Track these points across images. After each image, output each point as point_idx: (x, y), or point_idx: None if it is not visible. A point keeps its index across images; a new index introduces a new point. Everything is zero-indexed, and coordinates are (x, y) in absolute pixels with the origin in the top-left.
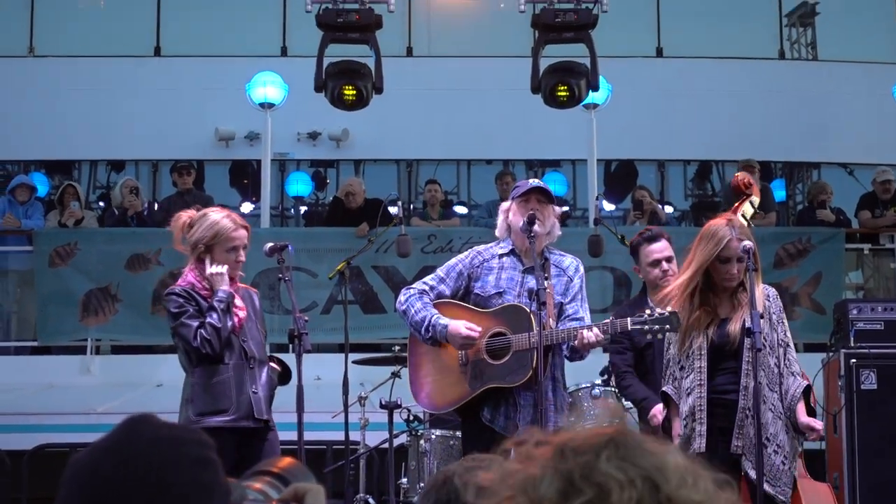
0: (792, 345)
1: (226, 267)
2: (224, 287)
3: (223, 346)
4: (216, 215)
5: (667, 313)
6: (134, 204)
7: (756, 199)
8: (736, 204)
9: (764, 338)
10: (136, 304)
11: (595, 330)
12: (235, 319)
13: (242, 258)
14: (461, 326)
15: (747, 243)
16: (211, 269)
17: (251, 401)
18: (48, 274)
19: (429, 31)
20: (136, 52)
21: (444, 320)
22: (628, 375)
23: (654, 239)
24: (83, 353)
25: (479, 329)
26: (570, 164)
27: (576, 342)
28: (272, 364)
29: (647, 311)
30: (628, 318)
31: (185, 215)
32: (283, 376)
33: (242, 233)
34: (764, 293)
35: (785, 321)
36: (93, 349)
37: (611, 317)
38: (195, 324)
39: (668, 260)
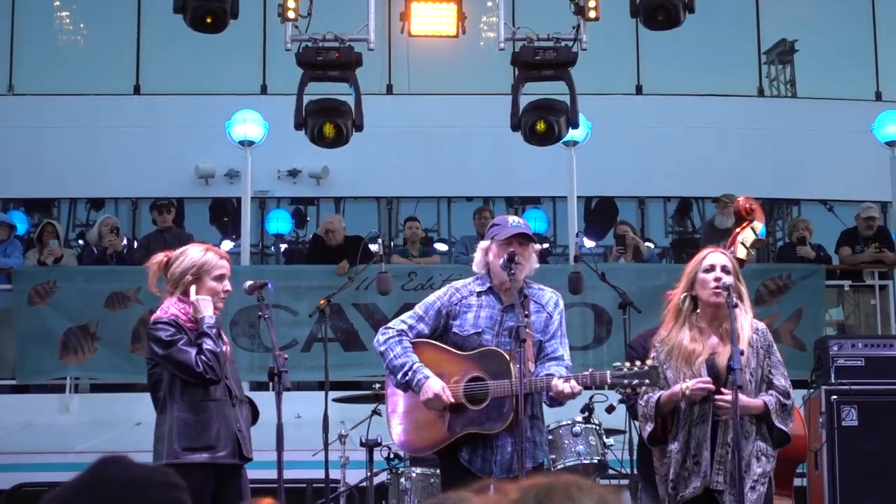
0: (781, 379)
1: (209, 297)
2: (210, 313)
3: (222, 373)
4: (197, 247)
5: (646, 367)
6: (114, 243)
7: (759, 225)
8: (737, 230)
9: (750, 374)
10: (115, 343)
11: (572, 382)
12: (227, 349)
13: (229, 287)
14: (438, 386)
15: (726, 279)
16: (197, 297)
17: (237, 438)
18: (27, 312)
19: (409, 69)
20: (116, 91)
21: (426, 372)
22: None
23: None
24: (62, 391)
25: (453, 400)
26: (551, 201)
27: (552, 393)
28: (247, 402)
29: (628, 364)
30: (607, 372)
31: (161, 255)
32: (253, 415)
33: (226, 263)
34: (752, 327)
35: (774, 355)
36: (72, 387)
37: (593, 359)
38: (193, 350)
39: None
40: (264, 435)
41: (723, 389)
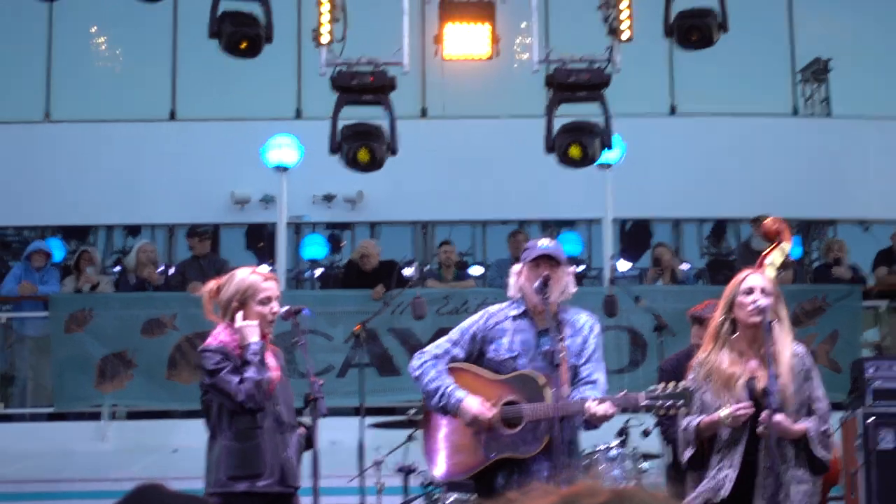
0: (821, 403)
1: (256, 322)
2: (255, 339)
3: (265, 401)
4: (243, 271)
5: (679, 389)
6: (152, 276)
7: (787, 246)
8: (766, 251)
9: (788, 397)
10: (151, 370)
11: (607, 404)
12: (274, 375)
13: (276, 309)
14: (475, 405)
15: (762, 301)
16: (239, 322)
17: (283, 466)
18: (64, 339)
19: (443, 92)
20: (152, 116)
21: (459, 394)
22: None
23: (701, 322)
24: (98, 419)
25: (491, 413)
26: (585, 224)
27: (586, 415)
28: (301, 429)
29: (661, 385)
30: (642, 393)
31: (212, 283)
32: (307, 442)
33: (273, 284)
34: (792, 351)
35: (814, 379)
36: (109, 415)
37: (629, 382)
38: (236, 379)
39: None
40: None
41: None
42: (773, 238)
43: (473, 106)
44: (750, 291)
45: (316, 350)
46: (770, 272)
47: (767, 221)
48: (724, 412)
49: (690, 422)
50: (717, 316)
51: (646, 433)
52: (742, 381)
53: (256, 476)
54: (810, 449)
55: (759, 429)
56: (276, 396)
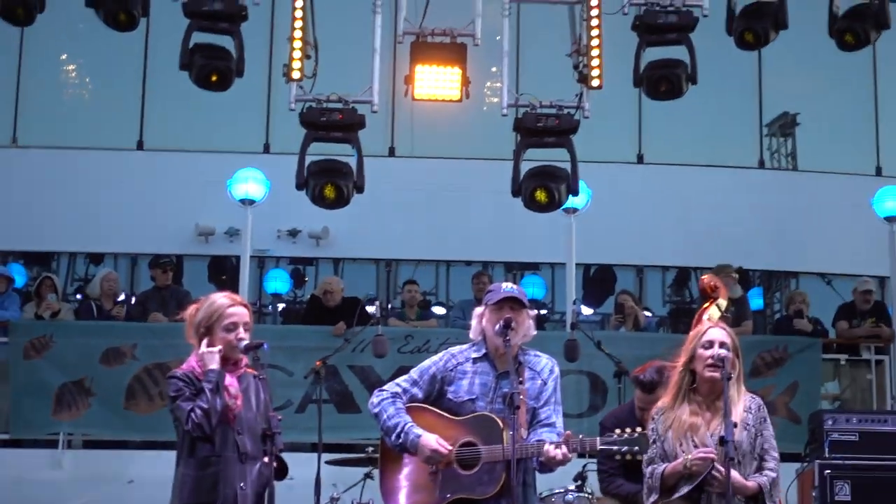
0: (771, 455)
1: (219, 347)
2: (213, 366)
3: (215, 428)
4: (214, 295)
5: (636, 435)
6: (119, 313)
7: (723, 302)
8: (703, 307)
9: (740, 449)
10: (109, 399)
11: (563, 448)
12: (232, 403)
13: (243, 336)
14: (433, 441)
15: (721, 352)
16: (202, 349)
17: (237, 497)
18: (22, 366)
19: (412, 132)
20: (119, 145)
21: (417, 430)
22: (617, 478)
23: (645, 387)
24: (55, 446)
25: (450, 449)
26: (549, 268)
27: (542, 458)
28: (265, 460)
29: (618, 431)
30: (597, 438)
31: (193, 306)
32: (280, 472)
33: (241, 310)
34: (745, 405)
35: (766, 431)
36: (64, 443)
37: (588, 427)
38: (188, 407)
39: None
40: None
41: (715, 464)
42: (709, 294)
43: (441, 146)
44: (710, 345)
45: (276, 385)
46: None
47: (704, 278)
48: (689, 457)
49: (655, 469)
50: (678, 367)
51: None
52: (703, 431)
53: None
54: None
55: (713, 474)
56: (240, 424)
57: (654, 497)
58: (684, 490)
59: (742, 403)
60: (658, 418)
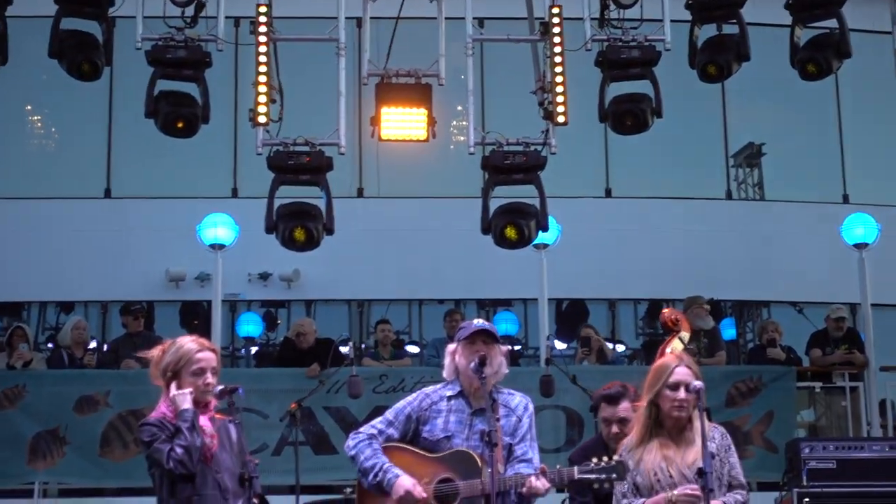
0: (739, 481)
1: (189, 389)
2: (186, 406)
3: (197, 465)
4: (182, 339)
5: (614, 462)
6: (90, 362)
7: (686, 335)
8: (666, 340)
9: (717, 478)
10: (84, 447)
11: (542, 479)
12: (209, 441)
13: (210, 380)
14: (409, 483)
15: (697, 383)
16: (173, 391)
17: None
18: None
19: (379, 173)
20: (87, 194)
21: (396, 471)
22: None
23: (613, 399)
24: (30, 496)
25: (425, 496)
26: (522, 304)
27: (523, 490)
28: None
29: (595, 460)
30: (575, 468)
31: (158, 349)
32: None
33: (208, 354)
34: (710, 434)
35: (732, 458)
36: (40, 493)
37: (565, 461)
38: (166, 448)
39: (622, 422)
40: None
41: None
42: (671, 328)
43: (409, 186)
44: (676, 387)
45: (251, 428)
46: None
47: (665, 312)
48: (673, 493)
49: (633, 501)
50: (643, 404)
51: None
52: (679, 463)
53: None
54: None
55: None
56: (217, 464)
57: None
58: None
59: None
60: (626, 455)
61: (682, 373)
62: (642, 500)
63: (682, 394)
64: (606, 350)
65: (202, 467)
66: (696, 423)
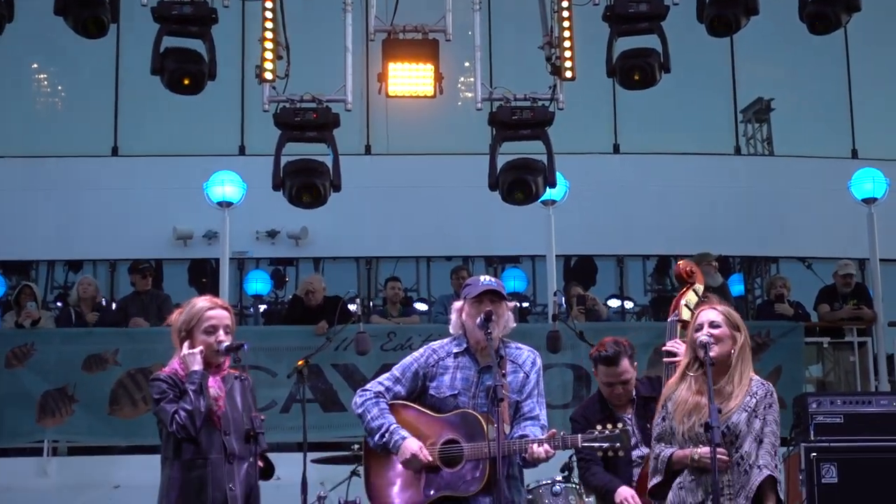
0: (770, 439)
1: (200, 348)
2: (196, 367)
3: (200, 429)
4: (196, 299)
5: (617, 431)
6: (91, 319)
7: (700, 287)
8: (680, 291)
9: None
10: (92, 405)
11: (546, 445)
12: (214, 405)
13: (223, 338)
14: (415, 446)
15: (703, 338)
16: (184, 350)
17: (227, 498)
18: (4, 375)
19: (387, 129)
20: (94, 152)
21: (403, 433)
22: (593, 464)
23: (609, 361)
24: (39, 454)
25: (429, 459)
26: (530, 260)
27: (525, 455)
28: (251, 460)
29: (598, 428)
30: (579, 436)
31: (177, 311)
32: (267, 472)
33: (221, 312)
34: (752, 388)
35: (770, 416)
36: (49, 451)
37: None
38: (172, 409)
39: (624, 383)
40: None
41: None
42: (686, 280)
43: (417, 143)
44: (700, 328)
45: (259, 385)
46: (686, 313)
47: (680, 264)
48: (697, 451)
49: (663, 450)
50: (685, 353)
51: (566, 468)
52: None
53: None
54: (779, 497)
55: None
56: (227, 424)
57: (657, 479)
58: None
59: (748, 387)
60: (666, 403)
61: (707, 314)
62: (671, 450)
63: (704, 331)
64: (601, 309)
65: (209, 429)
66: (737, 377)
